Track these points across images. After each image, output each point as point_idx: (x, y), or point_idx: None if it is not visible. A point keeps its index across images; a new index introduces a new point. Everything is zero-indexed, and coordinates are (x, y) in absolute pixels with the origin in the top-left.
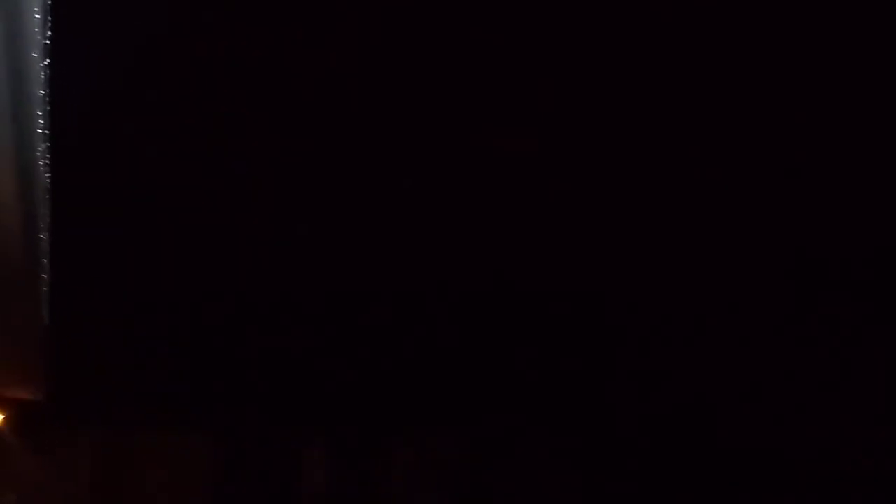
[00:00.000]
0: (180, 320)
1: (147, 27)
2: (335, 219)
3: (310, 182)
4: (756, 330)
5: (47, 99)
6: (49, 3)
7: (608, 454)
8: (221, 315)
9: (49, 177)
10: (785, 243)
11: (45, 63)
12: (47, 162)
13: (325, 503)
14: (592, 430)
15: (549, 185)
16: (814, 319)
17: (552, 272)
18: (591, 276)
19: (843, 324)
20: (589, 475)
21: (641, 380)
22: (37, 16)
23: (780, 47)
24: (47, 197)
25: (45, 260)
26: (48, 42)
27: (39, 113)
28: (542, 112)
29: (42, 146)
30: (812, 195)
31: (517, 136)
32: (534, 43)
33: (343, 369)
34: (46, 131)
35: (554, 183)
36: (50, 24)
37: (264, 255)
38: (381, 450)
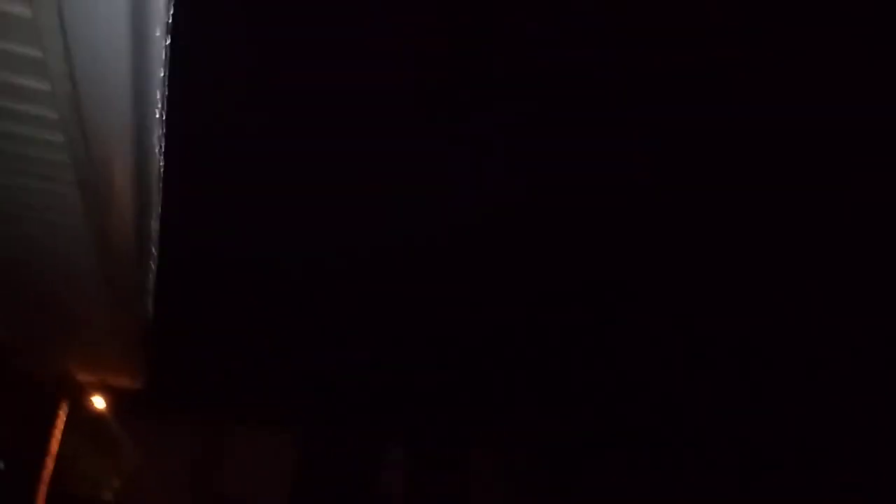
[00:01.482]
0: (277, 321)
1: (270, 13)
2: (420, 232)
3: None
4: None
5: (166, 81)
6: None
7: (680, 458)
8: (314, 319)
9: (163, 163)
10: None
11: (167, 43)
12: (163, 147)
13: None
14: (662, 435)
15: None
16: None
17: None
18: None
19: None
20: (659, 478)
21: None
22: None
23: None
24: (160, 185)
25: (153, 249)
26: (172, 20)
27: (158, 96)
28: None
29: (159, 131)
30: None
31: None
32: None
33: (423, 377)
34: (164, 116)
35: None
36: (175, 1)
37: (365, 263)
38: (458, 455)
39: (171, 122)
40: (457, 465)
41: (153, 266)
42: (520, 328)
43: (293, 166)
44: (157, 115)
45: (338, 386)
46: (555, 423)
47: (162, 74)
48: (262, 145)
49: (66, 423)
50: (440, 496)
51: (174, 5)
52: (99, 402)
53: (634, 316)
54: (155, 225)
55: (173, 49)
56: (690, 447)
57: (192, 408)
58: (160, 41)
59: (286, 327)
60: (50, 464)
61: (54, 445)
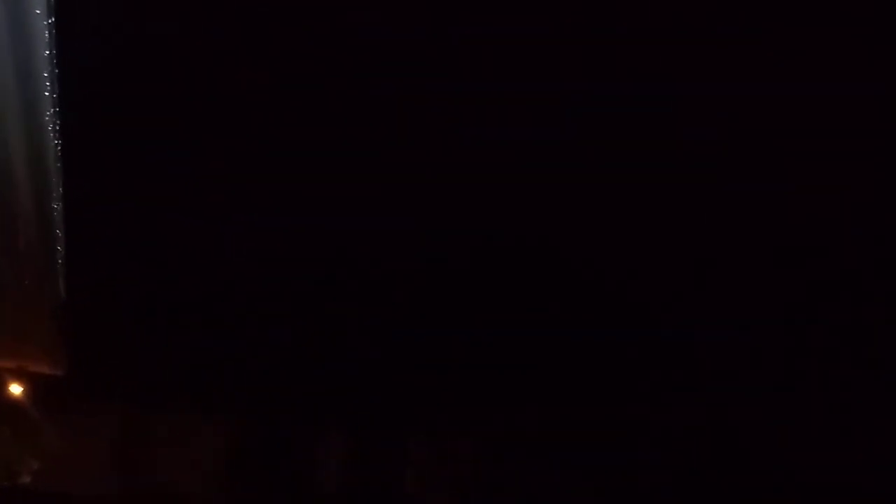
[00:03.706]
0: (198, 300)
1: None
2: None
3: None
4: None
5: (54, 60)
6: None
7: (622, 455)
8: (240, 302)
9: (59, 143)
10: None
11: (50, 21)
12: (57, 126)
13: (337, 496)
14: (607, 430)
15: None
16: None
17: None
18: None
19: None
20: (602, 476)
21: (655, 382)
22: None
23: None
24: (58, 164)
25: (58, 231)
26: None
27: (46, 74)
28: None
29: (50, 110)
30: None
31: None
32: None
33: (361, 365)
34: (55, 94)
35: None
36: None
37: (285, 242)
38: (395, 447)
39: (63, 100)
40: (394, 457)
41: (60, 248)
42: (463, 320)
43: (200, 140)
44: (48, 93)
45: (272, 374)
46: (498, 417)
47: (47, 52)
48: (165, 117)
49: None
50: (375, 487)
51: None
52: (16, 388)
53: (588, 313)
54: (58, 205)
55: (59, 25)
56: (637, 445)
57: (115, 394)
58: (42, 18)
59: (212, 310)
60: None
61: None
